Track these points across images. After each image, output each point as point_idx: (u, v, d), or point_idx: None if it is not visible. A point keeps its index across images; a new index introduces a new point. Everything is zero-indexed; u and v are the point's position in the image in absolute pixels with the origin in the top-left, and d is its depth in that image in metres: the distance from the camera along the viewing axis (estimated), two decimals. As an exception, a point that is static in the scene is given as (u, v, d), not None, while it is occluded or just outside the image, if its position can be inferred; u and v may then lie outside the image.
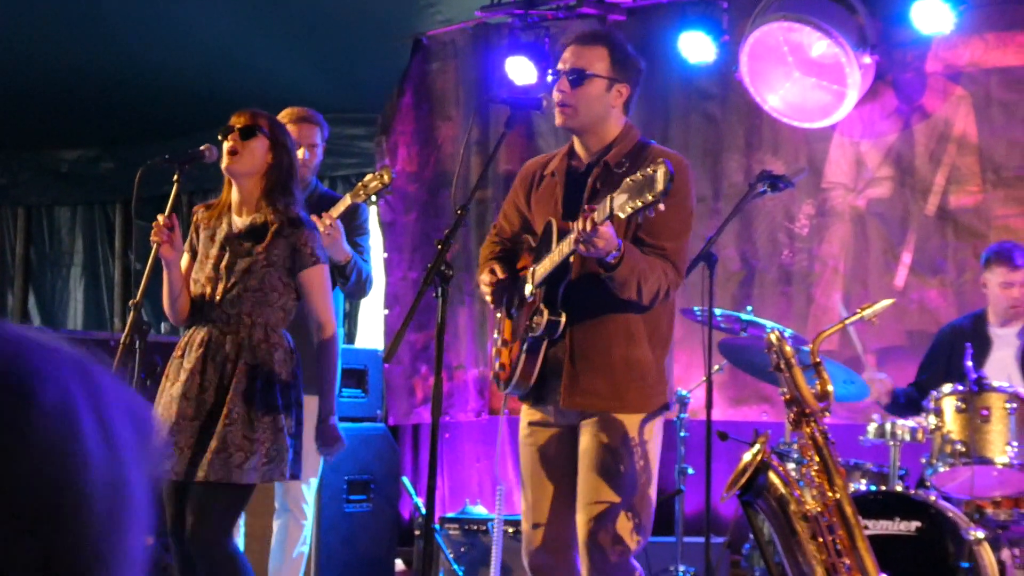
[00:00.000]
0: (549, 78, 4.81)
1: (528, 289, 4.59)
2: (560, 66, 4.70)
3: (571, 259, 4.46)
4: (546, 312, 4.52)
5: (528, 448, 4.73)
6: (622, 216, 4.11)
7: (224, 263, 5.05)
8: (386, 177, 6.31)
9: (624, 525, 4.52)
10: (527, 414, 4.75)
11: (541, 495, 4.70)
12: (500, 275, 4.74)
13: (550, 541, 4.67)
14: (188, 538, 4.97)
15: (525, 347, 4.59)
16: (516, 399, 4.77)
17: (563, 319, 4.51)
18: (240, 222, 5.11)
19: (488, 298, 4.80)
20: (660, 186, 4.01)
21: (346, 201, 6.22)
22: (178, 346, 5.13)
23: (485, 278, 4.77)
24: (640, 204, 4.06)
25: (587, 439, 4.58)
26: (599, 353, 4.56)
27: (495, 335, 4.84)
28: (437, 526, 6.70)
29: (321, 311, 5.09)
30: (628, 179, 4.15)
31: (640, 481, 4.56)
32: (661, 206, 4.06)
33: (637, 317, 4.56)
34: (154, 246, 4.99)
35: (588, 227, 4.15)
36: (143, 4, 9.11)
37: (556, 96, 4.66)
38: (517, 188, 4.90)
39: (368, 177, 6.31)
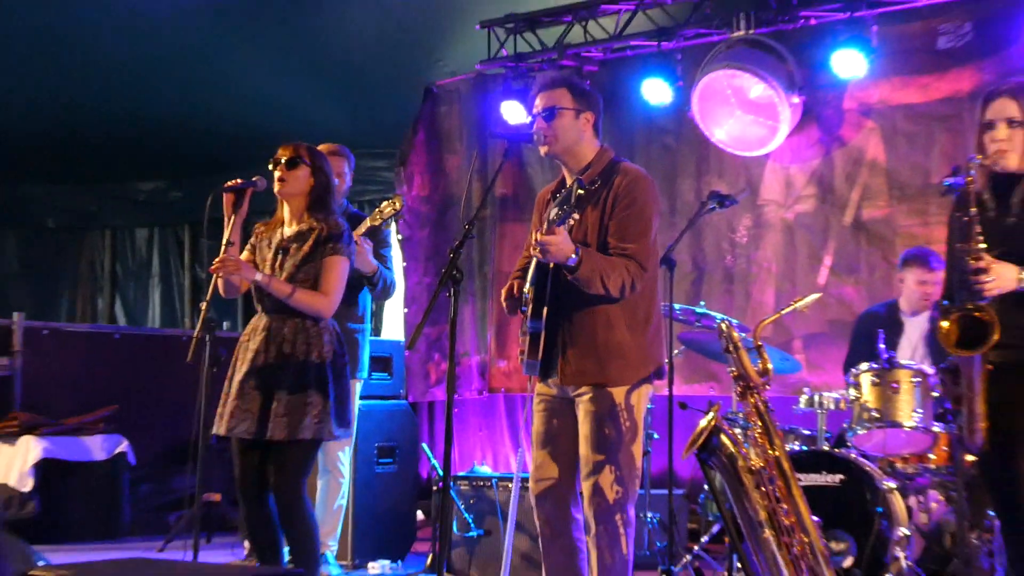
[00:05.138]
0: (527, 119, 4.85)
1: (527, 288, 4.63)
2: (535, 111, 4.74)
3: (549, 264, 4.51)
4: (531, 307, 4.59)
5: (538, 415, 4.74)
6: (555, 224, 4.33)
7: (278, 264, 5.07)
8: (398, 204, 6.36)
9: (611, 477, 4.51)
10: (538, 388, 4.76)
11: (545, 452, 4.70)
12: (515, 291, 4.71)
13: (552, 493, 4.67)
14: (273, 490, 5.00)
15: (528, 334, 4.63)
16: (536, 381, 4.75)
17: (544, 311, 4.57)
18: (290, 231, 5.13)
19: (506, 310, 4.80)
20: (572, 199, 4.30)
21: (366, 223, 6.25)
22: (244, 333, 5.16)
23: (504, 292, 4.77)
24: (560, 213, 4.32)
25: (583, 410, 4.59)
26: (585, 339, 4.57)
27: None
28: (453, 487, 6.70)
29: (328, 287, 5.03)
30: (564, 195, 4.40)
31: (625, 440, 4.54)
32: (574, 213, 4.33)
33: (615, 307, 4.56)
34: (214, 273, 5.03)
35: (537, 237, 4.40)
36: (205, 62, 9.13)
37: (537, 133, 4.71)
38: (535, 215, 4.90)
39: (384, 204, 6.35)
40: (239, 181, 5.13)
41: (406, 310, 9.14)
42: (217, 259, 4.98)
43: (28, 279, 12.26)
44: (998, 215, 4.25)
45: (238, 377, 5.00)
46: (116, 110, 9.92)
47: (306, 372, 4.96)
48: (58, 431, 8.09)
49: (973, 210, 4.19)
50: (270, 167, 5.13)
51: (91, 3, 8.33)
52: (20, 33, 8.68)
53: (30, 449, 7.80)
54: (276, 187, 5.11)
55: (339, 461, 6.61)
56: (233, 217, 5.08)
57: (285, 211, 5.18)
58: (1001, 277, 4.12)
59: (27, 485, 7.75)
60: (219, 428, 5.02)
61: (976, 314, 4.12)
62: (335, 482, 6.65)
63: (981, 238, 4.16)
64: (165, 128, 10.23)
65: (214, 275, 5.01)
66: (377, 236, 6.45)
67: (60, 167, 11.59)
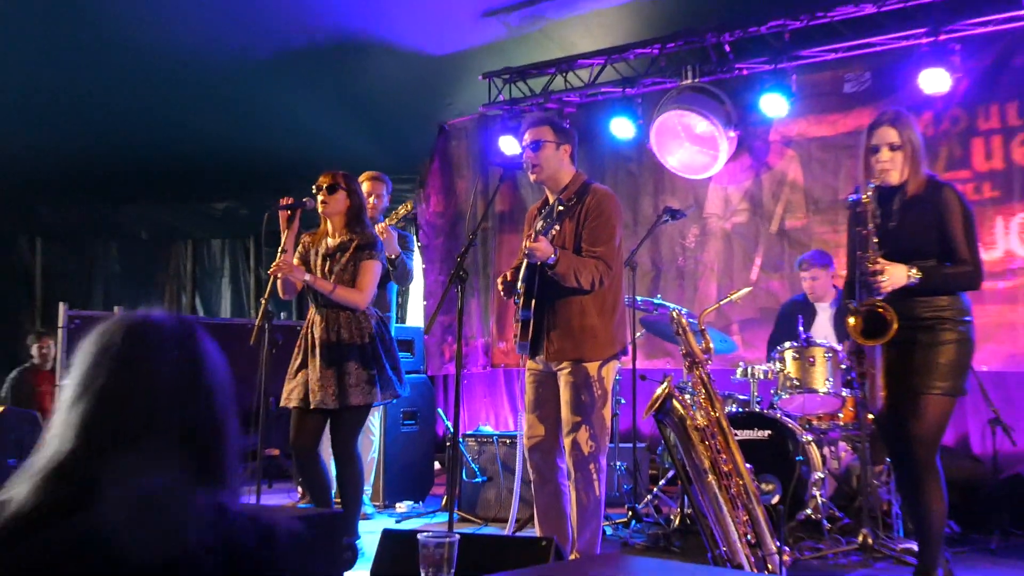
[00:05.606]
0: (519, 151, 4.87)
1: (518, 283, 4.62)
2: (524, 143, 4.73)
3: (536, 264, 4.52)
4: (522, 299, 4.60)
5: (529, 385, 4.75)
6: (541, 233, 4.46)
7: (327, 268, 5.07)
8: (409, 206, 6.48)
9: (586, 434, 4.52)
10: (528, 364, 4.76)
11: (535, 415, 4.71)
12: (509, 279, 4.71)
13: (540, 447, 4.68)
14: (337, 445, 5.00)
15: (520, 321, 4.64)
16: (527, 358, 4.75)
17: (532, 303, 4.58)
18: (333, 242, 5.13)
19: (502, 293, 4.78)
20: (554, 214, 4.50)
21: (386, 223, 6.25)
22: (304, 326, 5.14)
23: (499, 280, 4.76)
24: (545, 224, 4.48)
25: (563, 381, 4.59)
26: (564, 323, 4.58)
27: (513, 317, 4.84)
28: (460, 440, 6.69)
29: (362, 285, 5.01)
30: (548, 211, 4.55)
31: (597, 405, 4.56)
32: (555, 225, 4.50)
33: (588, 298, 4.57)
34: (272, 274, 5.02)
35: (526, 245, 4.45)
36: (268, 105, 9.12)
37: (526, 162, 4.71)
38: (525, 227, 4.89)
39: (400, 208, 6.39)
40: (291, 200, 5.12)
41: (424, 303, 9.17)
42: (274, 263, 4.97)
43: (127, 280, 12.23)
44: (883, 221, 4.25)
45: (314, 361, 4.97)
46: (196, 144, 9.91)
47: (364, 350, 4.97)
48: (150, 400, 8.06)
49: (871, 225, 4.19)
50: (313, 191, 5.12)
51: (177, 62, 8.32)
52: (121, 93, 8.68)
53: (128, 414, 7.77)
54: (320, 208, 5.12)
55: (370, 423, 6.62)
56: (287, 230, 5.07)
57: (328, 226, 5.18)
58: (893, 276, 4.12)
59: (126, 443, 7.73)
60: (310, 402, 4.95)
61: (879, 311, 4.11)
62: (367, 439, 6.68)
63: (877, 246, 4.16)
64: (235, 158, 10.23)
65: (272, 276, 5.01)
66: (402, 242, 6.45)
67: (152, 191, 11.59)
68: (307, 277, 4.98)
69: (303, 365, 5.03)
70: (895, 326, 4.06)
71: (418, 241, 9.01)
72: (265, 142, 9.79)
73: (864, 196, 4.24)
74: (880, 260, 4.13)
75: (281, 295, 5.12)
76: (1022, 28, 6.54)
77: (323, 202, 5.09)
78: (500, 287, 4.75)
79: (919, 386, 4.11)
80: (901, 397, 4.16)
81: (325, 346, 4.96)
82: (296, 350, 5.12)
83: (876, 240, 4.17)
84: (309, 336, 5.05)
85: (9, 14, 7.59)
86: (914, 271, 4.10)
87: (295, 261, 5.12)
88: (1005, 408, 6.20)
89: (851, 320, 4.17)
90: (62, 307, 7.88)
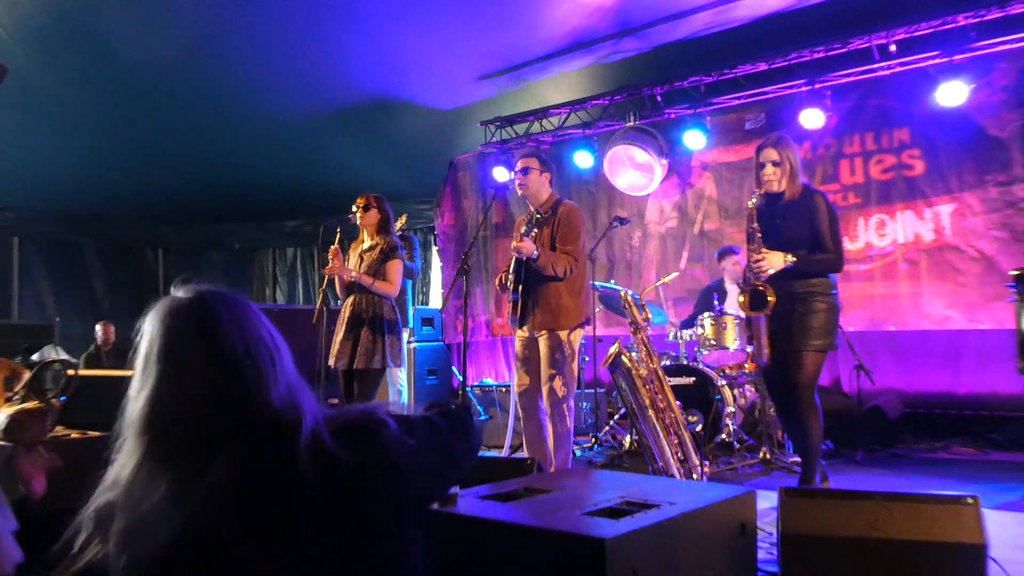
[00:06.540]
0: (510, 176, 4.81)
1: (509, 277, 4.59)
2: (516, 168, 4.70)
3: (523, 259, 4.47)
4: (512, 285, 4.53)
5: (518, 348, 4.70)
6: (525, 236, 4.43)
7: (359, 263, 5.00)
8: (404, 220, 6.49)
9: (560, 382, 4.49)
10: (517, 333, 4.70)
11: (523, 370, 4.67)
12: (502, 281, 4.69)
13: (527, 393, 4.65)
14: (358, 399, 4.88)
15: (511, 302, 4.60)
16: (512, 328, 4.71)
17: (520, 289, 4.52)
18: (366, 245, 5.07)
19: (498, 289, 4.74)
20: (534, 222, 4.49)
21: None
22: (342, 308, 5.07)
23: (496, 280, 4.75)
24: (527, 230, 4.46)
25: (542, 344, 4.56)
26: (544, 302, 4.55)
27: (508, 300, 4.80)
28: (469, 389, 6.65)
29: (391, 280, 4.92)
30: (530, 220, 4.51)
31: (568, 361, 4.53)
32: (535, 230, 4.46)
33: (560, 283, 4.55)
34: (327, 273, 4.96)
35: (514, 244, 4.43)
36: (323, 149, 9.05)
37: (516, 182, 4.67)
38: (514, 233, 4.83)
39: (397, 222, 6.37)
40: (339, 228, 5.12)
41: (442, 291, 9.11)
42: (328, 265, 4.93)
43: (226, 280, 12.18)
44: (771, 220, 4.20)
45: (340, 335, 4.92)
46: (274, 179, 9.87)
47: (375, 328, 4.87)
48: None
49: (755, 225, 4.15)
50: (353, 210, 5.08)
51: (261, 121, 8.27)
52: (221, 144, 8.63)
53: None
54: (358, 222, 5.06)
55: (399, 380, 6.56)
56: (335, 243, 5.04)
57: (364, 233, 5.13)
58: (771, 262, 4.06)
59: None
60: (335, 363, 4.92)
61: (760, 288, 4.07)
62: (396, 393, 6.61)
63: (762, 240, 4.12)
64: (302, 189, 10.19)
65: (327, 274, 4.96)
66: (410, 246, 6.36)
67: (242, 213, 11.55)
68: (353, 275, 4.92)
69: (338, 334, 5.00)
70: (772, 300, 4.02)
71: (436, 246, 8.98)
72: (323, 177, 9.74)
73: (750, 203, 4.19)
74: (763, 250, 4.08)
75: (340, 295, 5.08)
76: (875, 78, 6.50)
77: (360, 217, 5.05)
78: (497, 286, 4.74)
79: (799, 344, 4.07)
80: (786, 354, 4.12)
81: (350, 322, 4.89)
82: (337, 324, 5.08)
83: (760, 235, 4.12)
84: (343, 314, 5.00)
85: (148, 98, 7.60)
86: (790, 257, 4.06)
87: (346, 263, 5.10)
88: (867, 358, 6.17)
89: (740, 298, 4.13)
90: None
